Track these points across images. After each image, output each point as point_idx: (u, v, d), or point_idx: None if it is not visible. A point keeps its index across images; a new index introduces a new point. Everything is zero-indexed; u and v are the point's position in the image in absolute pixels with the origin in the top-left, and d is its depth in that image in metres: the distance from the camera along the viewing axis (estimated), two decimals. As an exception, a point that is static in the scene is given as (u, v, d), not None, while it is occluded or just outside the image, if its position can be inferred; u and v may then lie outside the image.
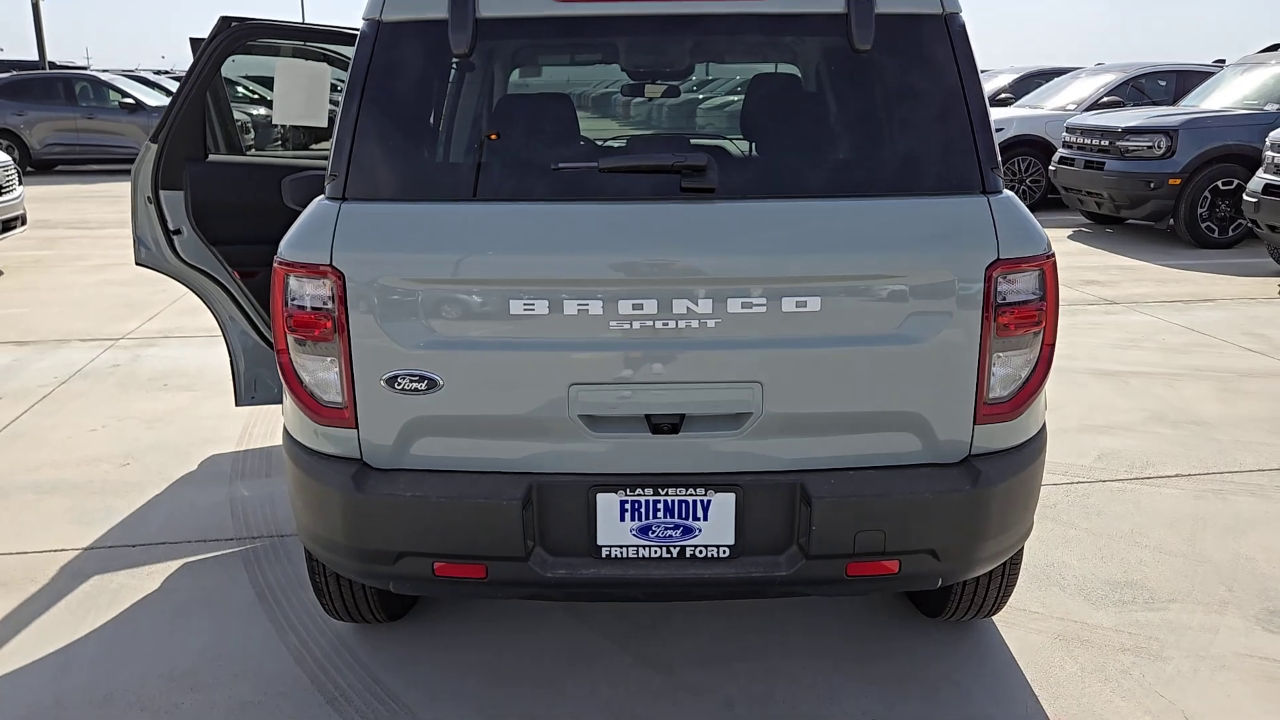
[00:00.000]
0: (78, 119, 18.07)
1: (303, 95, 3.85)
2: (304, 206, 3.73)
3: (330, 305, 2.36)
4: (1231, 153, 9.79)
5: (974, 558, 2.46)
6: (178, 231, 3.83)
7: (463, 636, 3.19)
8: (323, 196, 2.48)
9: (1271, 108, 10.11)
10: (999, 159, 2.40)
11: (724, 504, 2.39)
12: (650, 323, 2.30)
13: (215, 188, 3.77)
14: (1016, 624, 3.25)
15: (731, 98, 8.59)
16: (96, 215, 12.98)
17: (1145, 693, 2.90)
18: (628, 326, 2.30)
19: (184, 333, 6.93)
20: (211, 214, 3.78)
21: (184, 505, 4.19)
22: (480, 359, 2.35)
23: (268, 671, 3.04)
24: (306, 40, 3.82)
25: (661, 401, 2.36)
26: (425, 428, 2.40)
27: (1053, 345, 2.47)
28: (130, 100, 18.16)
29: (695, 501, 2.39)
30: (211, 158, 3.80)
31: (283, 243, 2.45)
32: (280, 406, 5.08)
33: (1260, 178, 8.37)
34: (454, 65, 2.45)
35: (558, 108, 2.60)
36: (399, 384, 2.36)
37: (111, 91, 18.55)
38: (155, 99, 18.85)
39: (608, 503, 2.39)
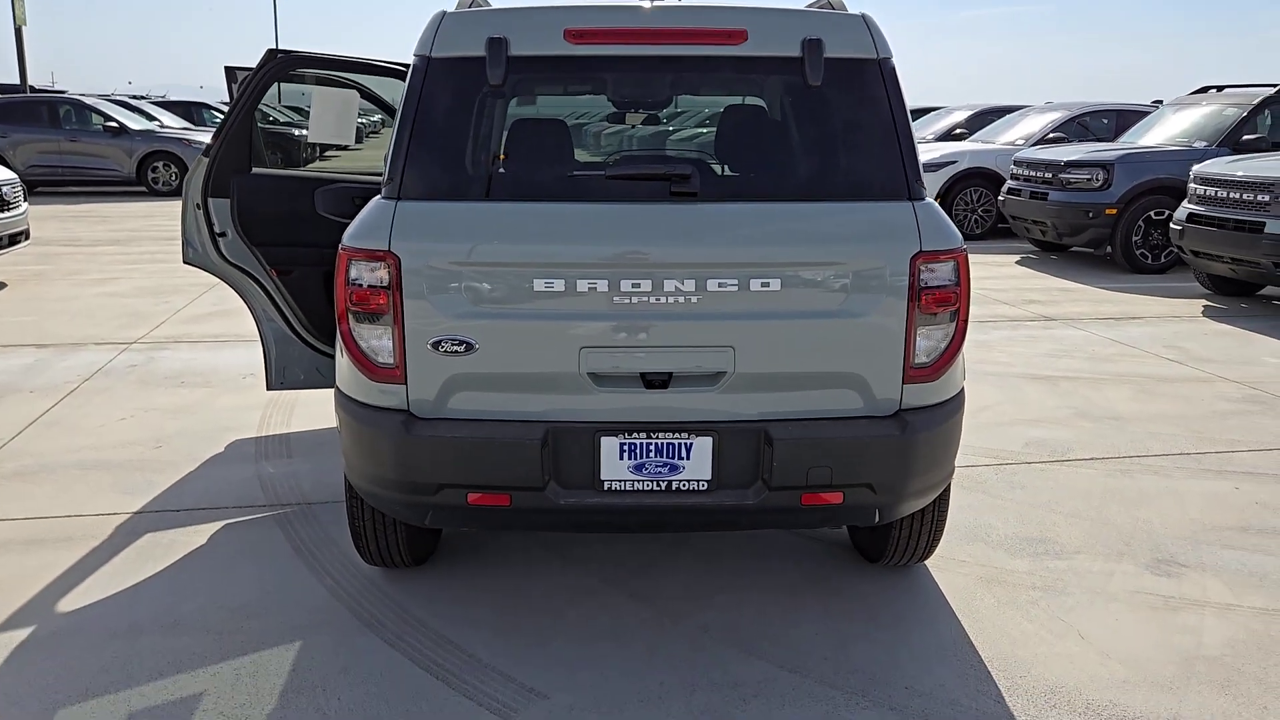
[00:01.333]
0: (61, 141, 18.47)
1: (334, 118, 4.42)
2: (335, 214, 4.32)
3: (387, 283, 2.92)
4: (1163, 185, 10.60)
5: (904, 491, 3.06)
6: (223, 234, 4.37)
7: (478, 579, 3.73)
8: (379, 197, 3.04)
9: (1199, 144, 10.94)
10: (921, 172, 3.03)
11: (703, 446, 2.97)
12: (645, 298, 2.89)
13: (258, 196, 4.32)
14: (945, 569, 3.84)
15: (700, 130, 9.29)
16: (87, 234, 13.40)
17: (1049, 618, 3.50)
18: (627, 301, 2.89)
19: (191, 339, 7.42)
20: (253, 219, 4.33)
21: (217, 480, 4.70)
22: (508, 326, 2.92)
23: (311, 604, 3.56)
24: (342, 72, 4.39)
25: (653, 362, 2.94)
26: (462, 383, 2.96)
27: (966, 322, 3.08)
28: (114, 124, 18.59)
29: (680, 444, 2.97)
30: (255, 170, 4.36)
31: (346, 233, 3.01)
32: (297, 394, 5.61)
33: (1185, 207, 9.14)
34: (487, 92, 3.03)
35: (563, 128, 3.19)
36: (442, 347, 2.93)
37: (94, 115, 18.97)
38: (138, 123, 19.30)
39: (610, 445, 2.96)
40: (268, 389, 4.75)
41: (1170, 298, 9.43)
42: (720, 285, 2.89)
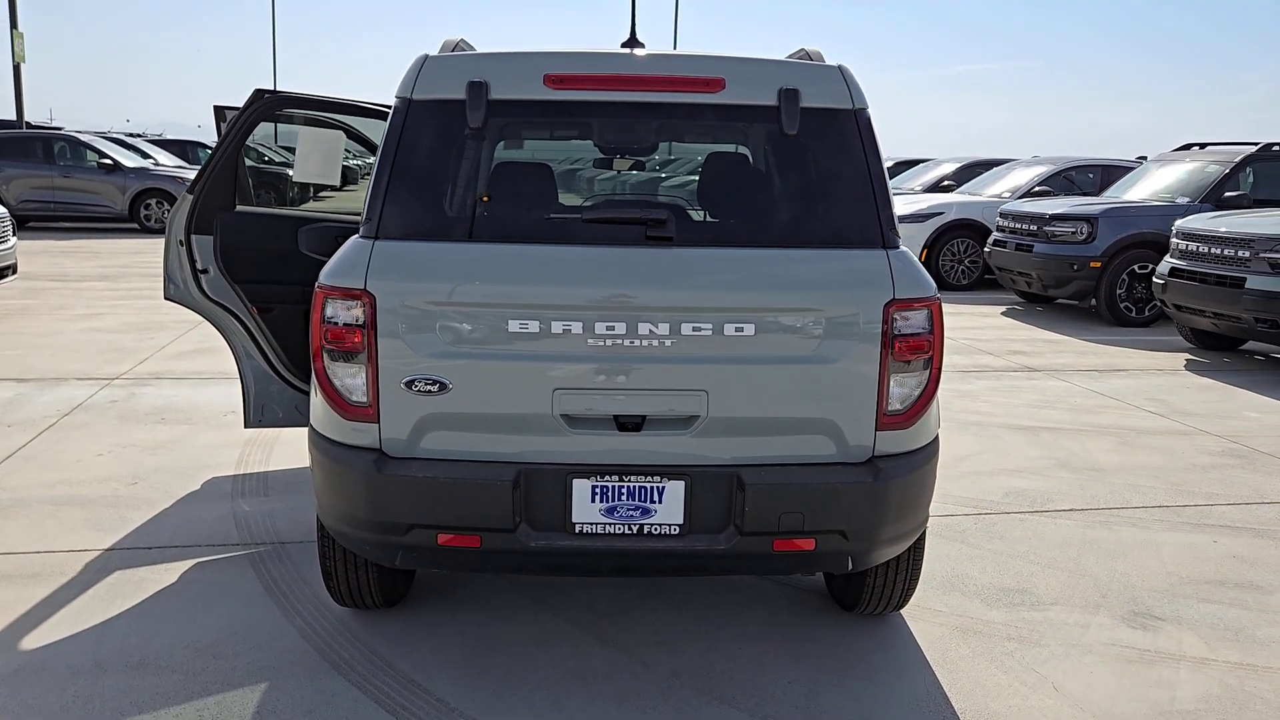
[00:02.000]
0: (55, 177, 18.53)
1: (320, 157, 4.45)
2: (317, 253, 4.34)
3: (362, 322, 2.93)
4: (1146, 240, 10.70)
5: (876, 539, 3.05)
6: (205, 271, 4.38)
7: (449, 622, 3.69)
8: (357, 236, 3.06)
9: (1182, 200, 11.07)
10: (896, 221, 3.06)
11: (676, 490, 2.96)
12: (619, 341, 2.90)
13: (241, 234, 4.33)
14: (921, 619, 3.82)
15: (692, 177, 9.37)
16: (75, 269, 13.40)
17: (1023, 669, 3.47)
18: (601, 344, 2.90)
19: (173, 375, 7.40)
20: (236, 256, 4.34)
21: (191, 517, 4.66)
22: (482, 367, 2.92)
23: (280, 645, 3.52)
24: (329, 112, 4.43)
25: (627, 405, 2.94)
26: (435, 423, 2.96)
27: (939, 370, 3.09)
28: (108, 160, 18.68)
29: (652, 487, 2.96)
30: (238, 208, 4.38)
31: (323, 272, 3.03)
32: (277, 432, 5.59)
33: (1167, 262, 9.23)
34: (467, 135, 3.06)
35: (546, 172, 3.22)
36: (415, 386, 2.93)
37: (89, 151, 19.06)
38: (132, 160, 19.39)
39: (581, 487, 2.95)
40: (245, 426, 4.73)
41: (1154, 351, 9.48)
42: (695, 329, 2.90)
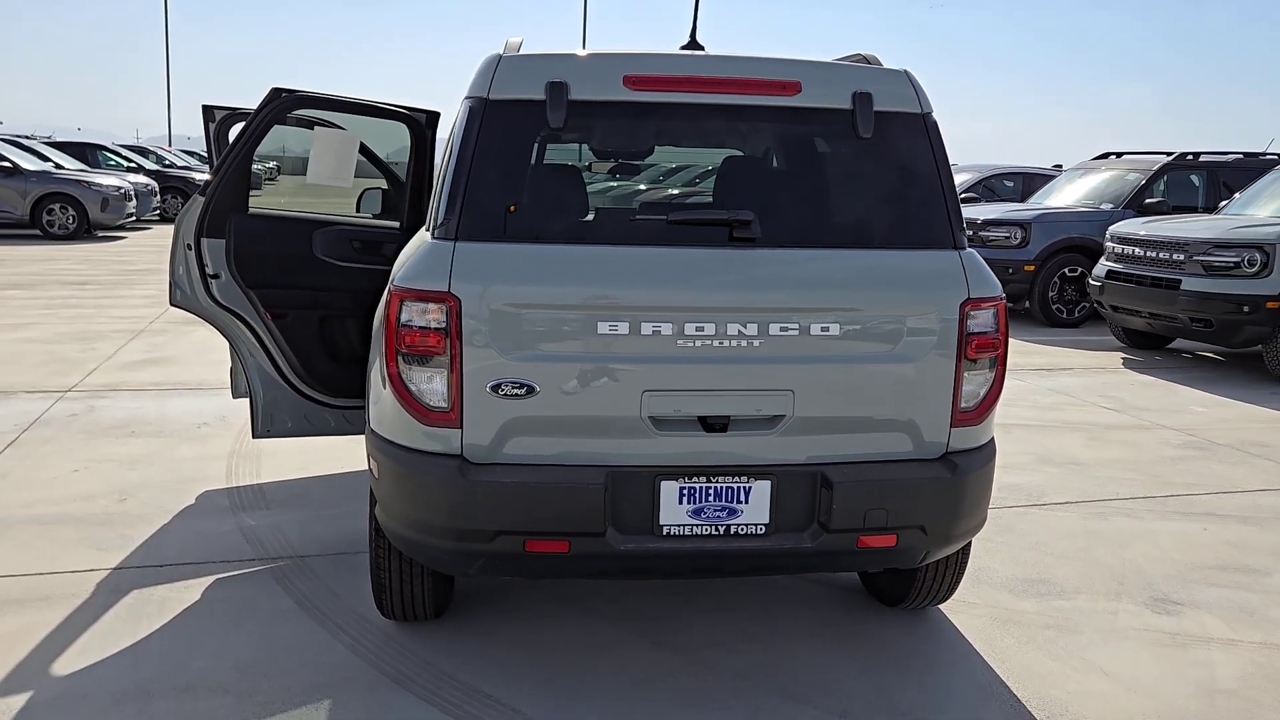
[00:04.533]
0: (-52, 182, 17.53)
1: (334, 160, 4.33)
2: (333, 257, 4.22)
3: (445, 325, 2.86)
4: (1075, 244, 11.16)
5: (951, 534, 3.11)
6: (215, 275, 4.22)
7: (497, 632, 3.63)
8: (429, 237, 2.99)
9: (1106, 207, 11.57)
10: (964, 222, 3.13)
11: (762, 489, 2.97)
12: (708, 342, 2.90)
13: (255, 237, 4.18)
14: (959, 612, 3.91)
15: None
16: (-15, 278, 12.72)
17: (1069, 656, 3.58)
18: (691, 345, 2.89)
19: (129, 387, 7.09)
20: (249, 260, 4.19)
21: (194, 533, 4.48)
22: (571, 370, 2.89)
23: (329, 661, 3.41)
24: (348, 113, 4.31)
25: (714, 406, 2.94)
26: (520, 427, 2.91)
27: (1004, 368, 3.18)
28: (8, 164, 17.76)
29: (739, 487, 2.97)
30: (252, 210, 4.22)
31: (399, 274, 2.95)
32: (262, 444, 5.40)
33: (1104, 264, 9.63)
34: (545, 135, 3.02)
35: (627, 173, 3.20)
36: (502, 390, 2.87)
37: (-15, 155, 18.09)
38: (32, 163, 18.47)
39: (669, 488, 2.94)
40: (254, 437, 4.56)
41: (1089, 350, 9.88)
42: (783, 329, 2.92)
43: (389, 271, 4.36)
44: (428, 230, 3.22)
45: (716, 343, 2.90)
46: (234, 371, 5.14)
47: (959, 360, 3.04)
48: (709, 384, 2.92)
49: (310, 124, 4.43)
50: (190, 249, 4.21)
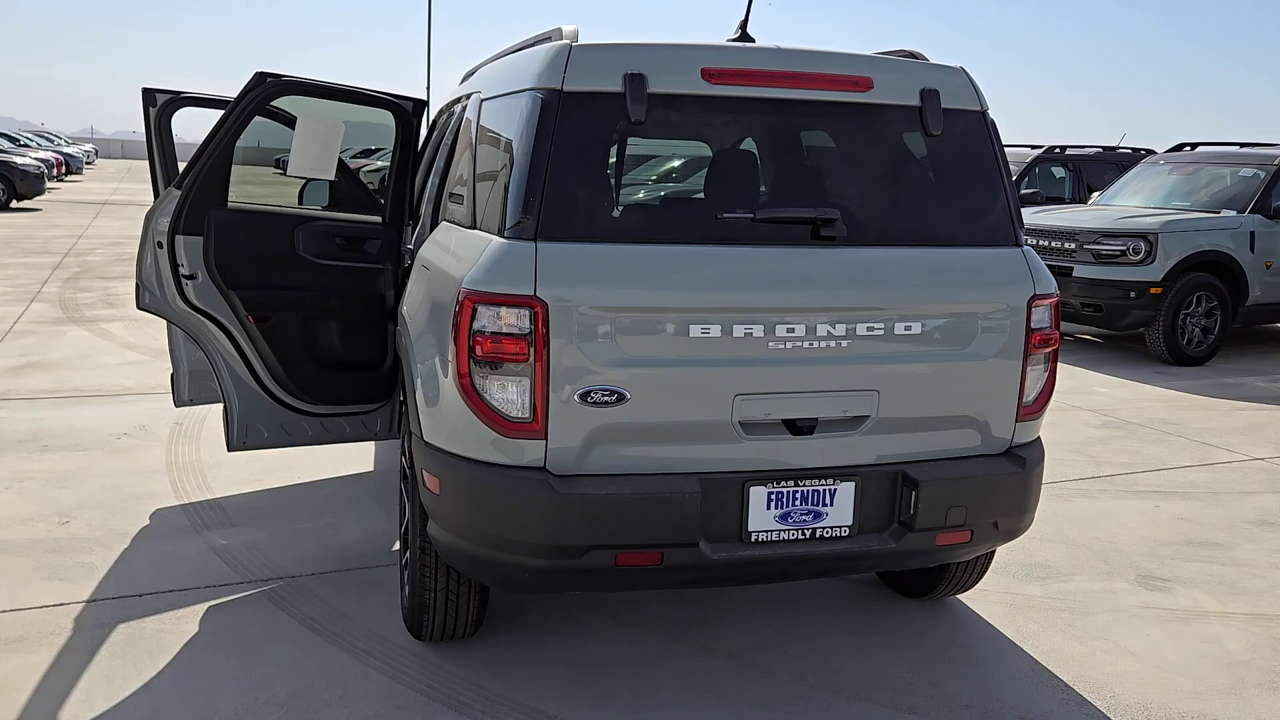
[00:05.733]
0: None
1: (316, 149, 4.03)
2: (316, 255, 3.95)
3: (528, 331, 2.70)
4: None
5: (1017, 528, 3.17)
6: (192, 276, 3.86)
7: (536, 648, 3.47)
8: (501, 238, 2.80)
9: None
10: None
11: (847, 491, 2.94)
12: (799, 343, 2.84)
13: (236, 235, 3.85)
14: (976, 599, 4.00)
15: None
16: None
17: (1093, 638, 3.71)
18: (782, 346, 2.83)
19: (20, 395, 6.47)
20: (231, 260, 3.86)
21: (163, 557, 4.11)
22: (663, 375, 2.78)
23: (374, 690, 3.18)
24: (335, 100, 4.00)
25: (804, 408, 2.89)
26: (607, 436, 2.78)
27: (1057, 363, 3.26)
28: None
29: (824, 490, 2.93)
30: (232, 204, 3.88)
31: (472, 277, 2.76)
32: (201, 454, 5.01)
33: None
34: (624, 129, 2.87)
35: (716, 165, 3.09)
36: (591, 398, 2.74)
37: None
38: None
39: (758, 494, 2.87)
40: (228, 450, 4.21)
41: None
42: (869, 329, 2.90)
43: (375, 270, 4.13)
44: (475, 228, 3.03)
45: (806, 344, 2.85)
46: (175, 377, 4.77)
47: (1025, 355, 3.09)
48: (799, 386, 2.87)
49: (276, 115, 4.12)
50: (161, 248, 3.85)
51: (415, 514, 3.18)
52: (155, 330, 8.82)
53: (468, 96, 3.81)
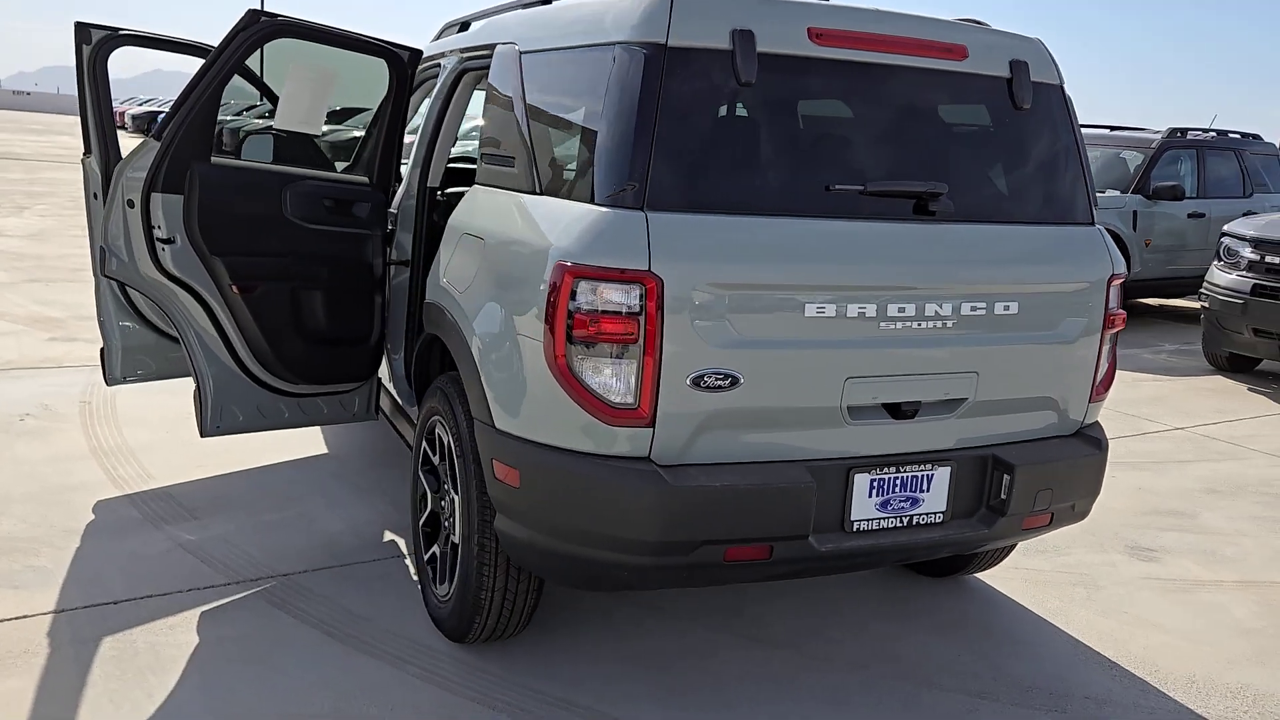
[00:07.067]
0: None
1: (308, 101, 3.61)
2: (305, 218, 3.59)
3: (639, 309, 2.46)
4: None
5: (1088, 509, 3.15)
6: (170, 240, 3.39)
7: (587, 649, 3.24)
8: (594, 205, 2.54)
9: None
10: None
11: (943, 476, 2.84)
12: (909, 324, 2.70)
13: (222, 193, 3.40)
14: (991, 576, 4.00)
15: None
16: None
17: (1115, 612, 3.77)
18: (893, 327, 2.69)
19: (-117, 370, 5.67)
20: (216, 222, 3.41)
21: (127, 556, 3.64)
22: (778, 356, 2.59)
23: (425, 701, 2.89)
24: (331, 45, 3.56)
25: (910, 390, 2.76)
26: (715, 423, 2.57)
27: (1117, 342, 3.25)
28: None
29: (923, 475, 2.81)
30: (215, 160, 3.42)
31: (573, 248, 2.49)
32: (128, 437, 4.52)
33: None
34: (733, 90, 2.64)
35: (821, 133, 2.88)
36: (704, 382, 2.52)
37: None
38: None
39: (861, 481, 2.73)
40: (201, 435, 3.74)
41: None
42: (972, 309, 2.79)
43: (363, 235, 3.75)
44: (540, 194, 2.76)
45: (915, 324, 2.72)
46: (106, 353, 4.26)
47: (1103, 335, 3.06)
48: (907, 368, 2.74)
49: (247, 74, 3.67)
50: (133, 206, 3.36)
51: (472, 508, 2.88)
52: (20, 296, 7.95)
53: (485, 49, 3.48)
